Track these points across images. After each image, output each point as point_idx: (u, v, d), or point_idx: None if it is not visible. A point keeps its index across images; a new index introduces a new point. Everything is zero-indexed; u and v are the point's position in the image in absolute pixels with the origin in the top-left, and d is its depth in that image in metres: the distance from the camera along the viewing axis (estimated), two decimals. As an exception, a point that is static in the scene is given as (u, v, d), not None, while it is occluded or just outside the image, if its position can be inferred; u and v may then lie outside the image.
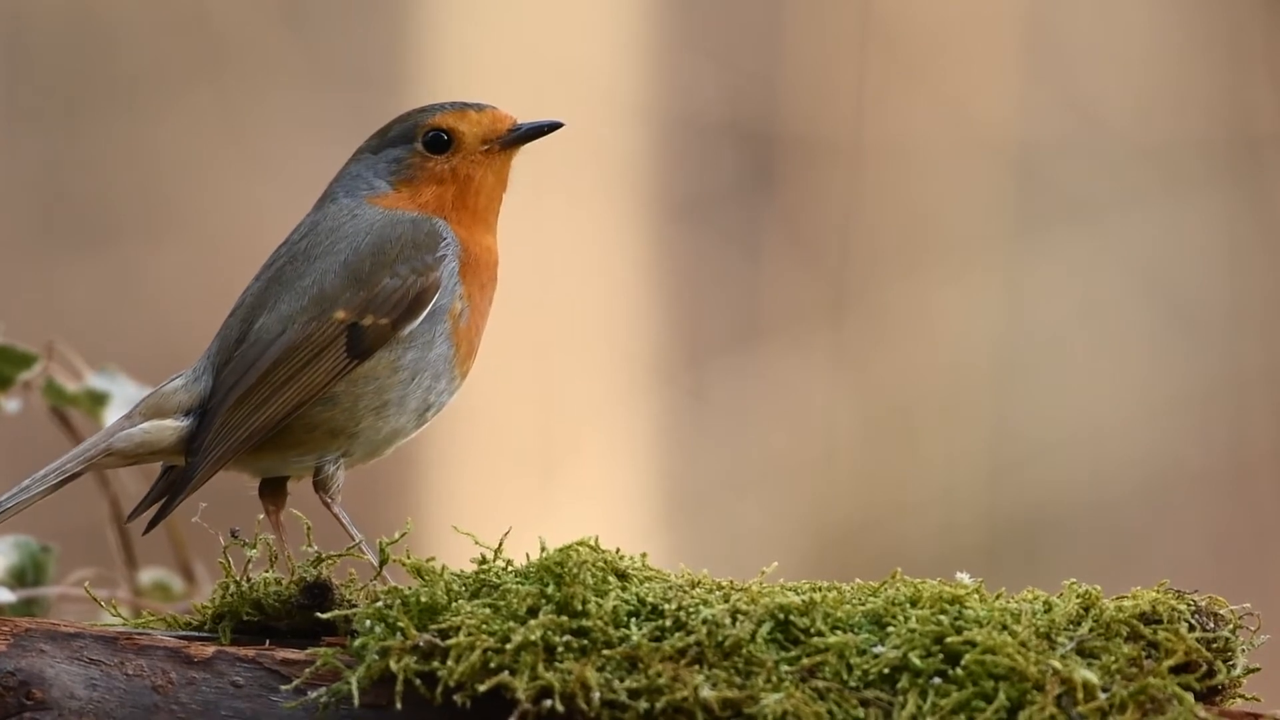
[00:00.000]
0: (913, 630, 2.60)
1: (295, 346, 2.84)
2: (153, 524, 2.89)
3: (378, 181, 2.97)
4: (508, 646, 2.58)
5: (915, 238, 6.70)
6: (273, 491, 2.94)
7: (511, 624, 2.59)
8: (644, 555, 2.70)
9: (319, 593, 2.67)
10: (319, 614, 2.66)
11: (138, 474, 3.26)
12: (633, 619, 2.61)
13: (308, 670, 2.63)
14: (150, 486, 2.95)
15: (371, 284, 2.86)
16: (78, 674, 2.63)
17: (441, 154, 2.97)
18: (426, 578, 2.65)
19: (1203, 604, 2.64)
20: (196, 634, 2.69)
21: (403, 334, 2.85)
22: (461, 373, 2.92)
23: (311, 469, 2.89)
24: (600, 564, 2.64)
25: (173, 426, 2.87)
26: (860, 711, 2.57)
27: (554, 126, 2.98)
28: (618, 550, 2.68)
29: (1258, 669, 2.65)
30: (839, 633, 2.61)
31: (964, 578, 2.67)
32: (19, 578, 3.23)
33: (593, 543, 2.66)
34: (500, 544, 2.69)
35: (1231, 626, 2.63)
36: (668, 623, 2.61)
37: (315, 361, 2.84)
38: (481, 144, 2.97)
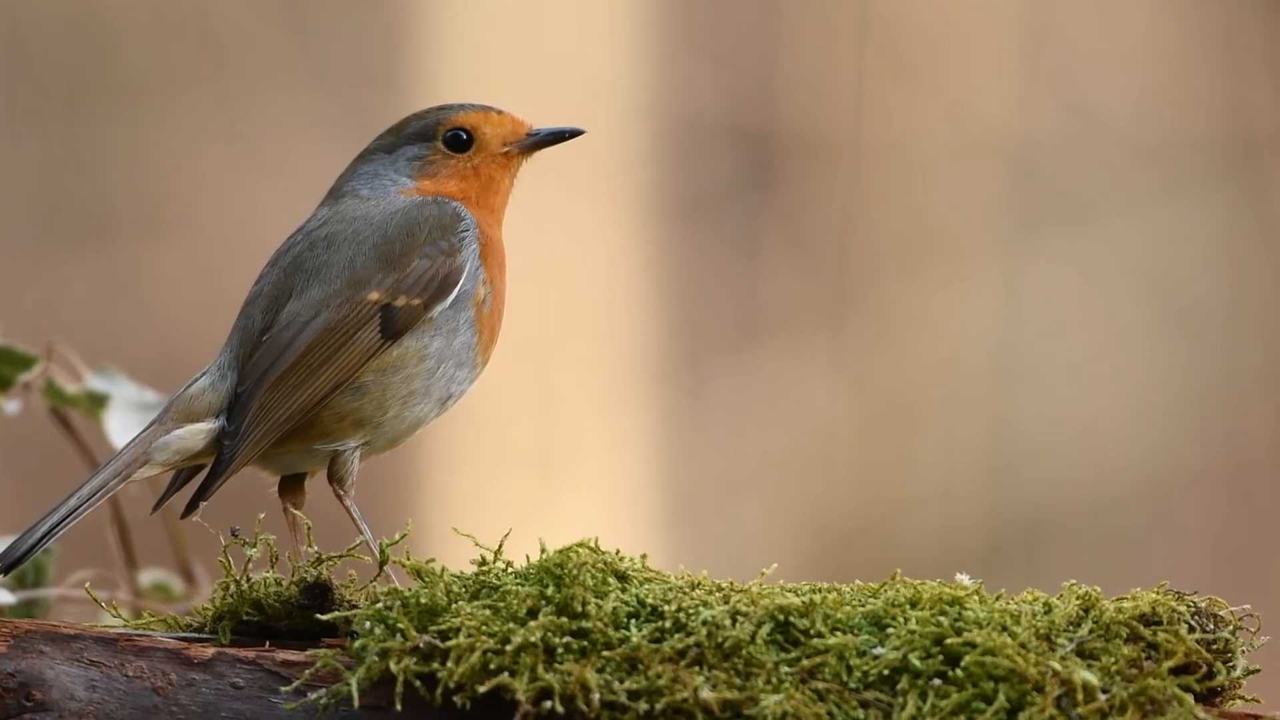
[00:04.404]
0: (912, 632, 2.60)
1: (331, 328, 2.85)
2: (190, 508, 2.88)
3: (400, 178, 2.99)
4: (508, 648, 2.58)
5: (915, 238, 6.70)
6: (291, 490, 2.95)
7: (511, 625, 2.59)
8: (644, 556, 2.70)
9: (319, 593, 2.67)
10: (319, 615, 2.66)
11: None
12: (633, 620, 2.61)
13: (307, 672, 2.63)
14: (170, 481, 2.95)
15: (403, 265, 2.88)
16: (78, 675, 2.63)
17: (462, 153, 3.00)
18: (426, 579, 2.65)
19: (1203, 605, 2.64)
20: (196, 635, 2.69)
21: (434, 314, 2.87)
22: (483, 360, 2.94)
23: (328, 462, 2.90)
24: (600, 565, 2.64)
25: (206, 429, 2.87)
26: (860, 713, 2.57)
27: (574, 133, 3.02)
28: (617, 551, 2.68)
29: (1258, 670, 2.65)
30: (839, 634, 2.61)
31: (964, 579, 2.67)
32: (19, 579, 3.23)
33: (592, 544, 2.67)
34: (500, 545, 2.69)
35: (1231, 628, 2.63)
36: (668, 624, 2.61)
37: (350, 343, 2.85)
38: (502, 146, 3.01)
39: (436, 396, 2.90)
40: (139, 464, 2.85)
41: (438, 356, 2.89)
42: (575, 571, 2.62)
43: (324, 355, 2.85)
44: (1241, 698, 2.64)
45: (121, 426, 3.34)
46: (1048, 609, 2.63)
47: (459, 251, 2.91)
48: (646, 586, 2.64)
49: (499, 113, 3.03)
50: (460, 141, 3.00)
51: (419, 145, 3.00)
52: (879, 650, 2.59)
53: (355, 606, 2.65)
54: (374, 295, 2.87)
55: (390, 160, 3.00)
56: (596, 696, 2.56)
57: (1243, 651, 2.63)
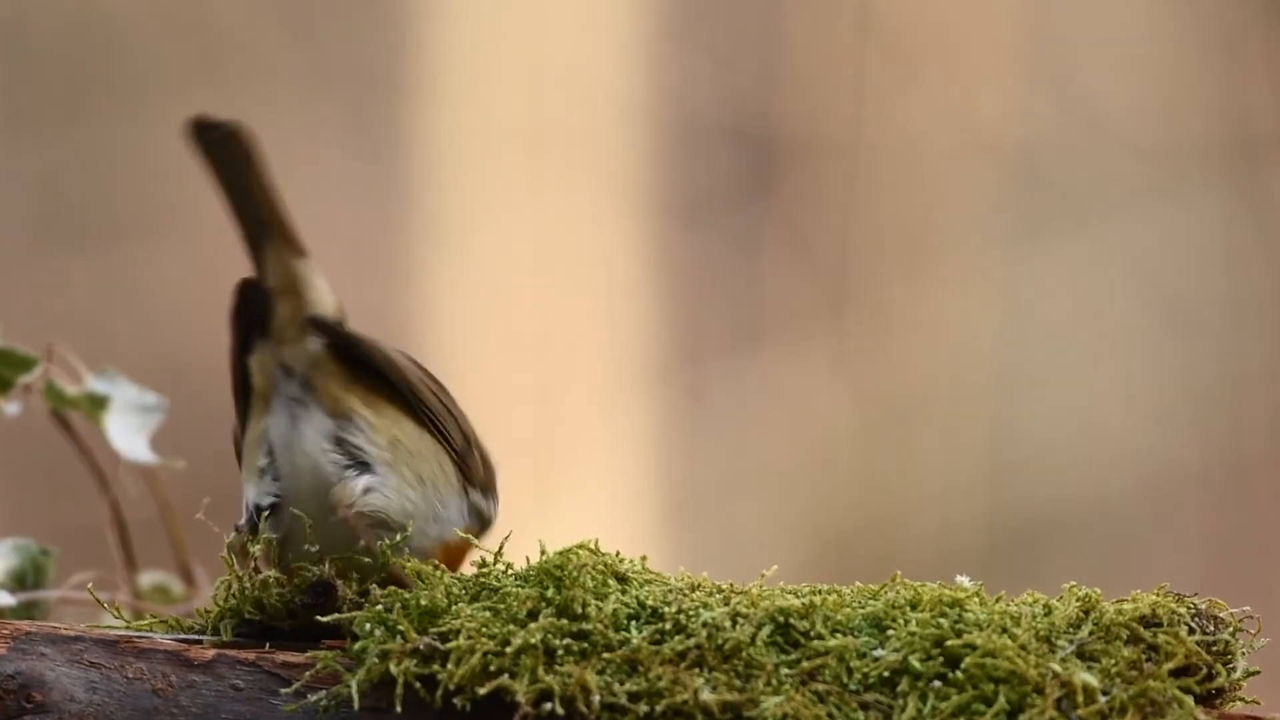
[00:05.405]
0: (913, 633, 2.60)
1: None
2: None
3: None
4: (508, 649, 2.58)
5: (915, 238, 6.70)
6: None
7: (511, 627, 2.59)
8: (644, 558, 2.70)
9: (322, 591, 2.67)
10: (320, 616, 2.66)
11: (138, 475, 3.26)
12: (633, 622, 2.61)
13: (308, 674, 2.63)
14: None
15: None
16: (78, 677, 2.63)
17: None
18: (426, 581, 2.65)
19: (1203, 607, 2.64)
20: (197, 637, 2.69)
21: None
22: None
23: None
24: (600, 567, 2.64)
25: None
26: (860, 715, 2.57)
27: None
28: (618, 553, 2.68)
29: (1258, 672, 2.64)
30: (839, 636, 2.61)
31: (964, 580, 2.67)
32: (19, 581, 3.23)
33: (593, 546, 2.66)
34: (500, 547, 2.69)
35: (1231, 629, 2.63)
36: (668, 626, 2.60)
37: None
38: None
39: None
40: None
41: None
42: (575, 573, 2.62)
43: None
44: (1242, 699, 2.64)
45: (122, 429, 3.33)
46: (1048, 611, 2.63)
47: None
48: (647, 588, 2.64)
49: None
50: None
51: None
52: (879, 652, 2.59)
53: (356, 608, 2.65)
54: None
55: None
56: (597, 698, 2.56)
57: (1243, 653, 2.63)
